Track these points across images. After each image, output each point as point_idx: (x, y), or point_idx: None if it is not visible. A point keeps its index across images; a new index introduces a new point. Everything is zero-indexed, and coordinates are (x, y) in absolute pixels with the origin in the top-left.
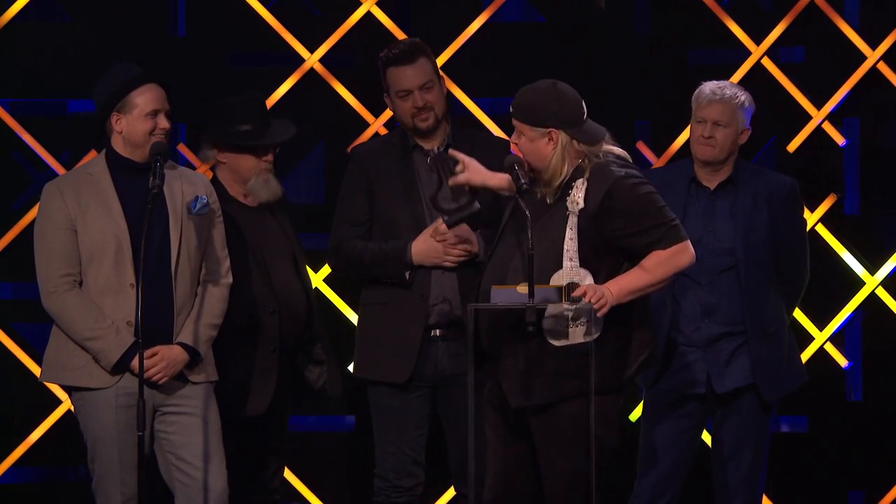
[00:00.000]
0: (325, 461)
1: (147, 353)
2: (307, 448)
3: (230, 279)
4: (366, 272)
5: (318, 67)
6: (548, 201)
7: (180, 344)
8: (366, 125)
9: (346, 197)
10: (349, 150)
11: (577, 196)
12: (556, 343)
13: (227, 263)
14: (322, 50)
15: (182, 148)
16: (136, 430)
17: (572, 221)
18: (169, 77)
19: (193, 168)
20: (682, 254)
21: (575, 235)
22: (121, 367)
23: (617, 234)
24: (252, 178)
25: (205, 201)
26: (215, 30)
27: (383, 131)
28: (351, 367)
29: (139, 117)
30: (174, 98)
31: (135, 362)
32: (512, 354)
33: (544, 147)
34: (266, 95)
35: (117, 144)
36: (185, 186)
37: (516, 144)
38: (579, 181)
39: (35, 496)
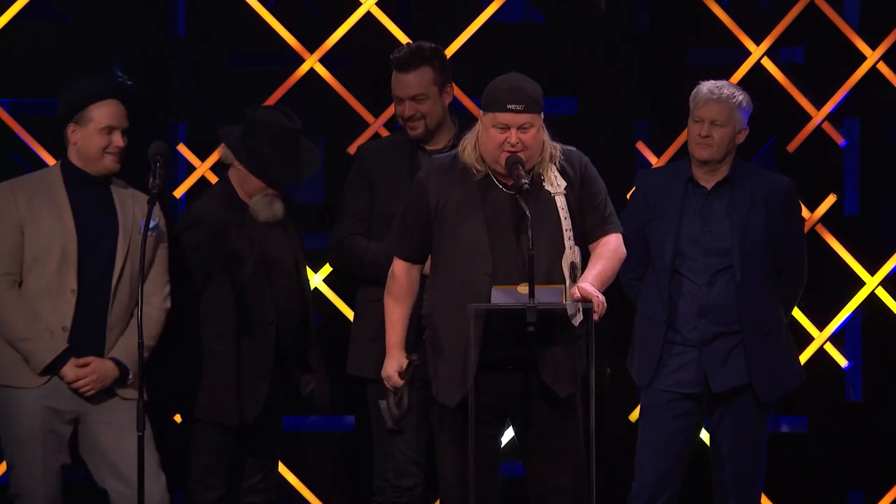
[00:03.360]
0: (325, 461)
1: (79, 362)
2: (307, 448)
3: (168, 304)
4: (365, 272)
5: (318, 67)
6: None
7: (112, 359)
8: (366, 125)
9: (349, 193)
10: (351, 149)
11: (553, 177)
12: (575, 323)
13: (167, 289)
14: (322, 50)
15: (182, 148)
16: (57, 434)
17: (561, 202)
18: (169, 77)
19: (193, 168)
20: (623, 245)
21: (568, 215)
22: (50, 371)
23: (585, 205)
24: (256, 195)
25: (156, 222)
26: (215, 30)
27: (383, 131)
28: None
29: (94, 131)
30: (174, 98)
31: (65, 369)
32: (548, 349)
33: (542, 133)
34: (299, 126)
35: (72, 156)
36: (136, 207)
37: (520, 142)
38: (548, 164)
39: None
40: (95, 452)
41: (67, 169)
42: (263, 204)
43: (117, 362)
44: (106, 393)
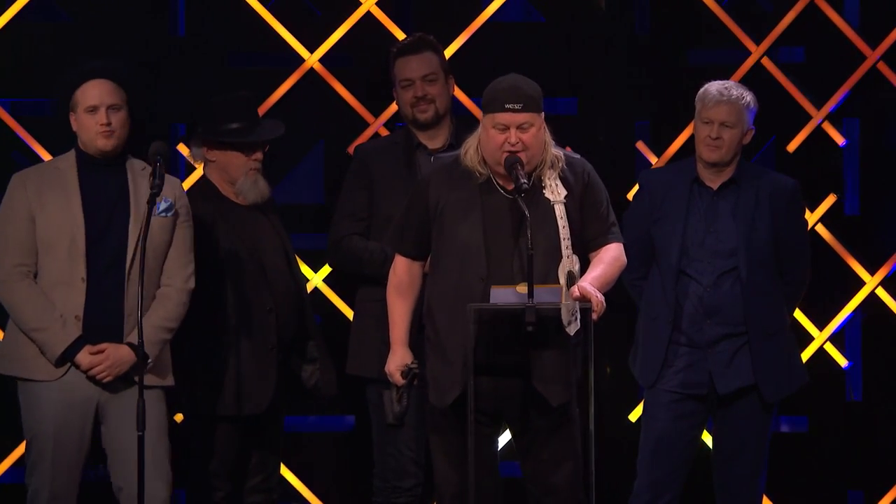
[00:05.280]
0: (325, 461)
1: (93, 349)
2: (307, 448)
3: (191, 284)
4: (363, 272)
5: (318, 67)
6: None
7: (129, 344)
8: (366, 125)
9: (347, 193)
10: (351, 149)
11: (554, 185)
12: (570, 332)
13: (190, 268)
14: (322, 50)
15: (182, 148)
16: (74, 429)
17: (560, 210)
18: (169, 77)
19: (193, 168)
20: (623, 254)
21: (567, 224)
22: (64, 361)
23: (587, 214)
24: (241, 177)
25: (169, 203)
26: (215, 30)
27: (383, 131)
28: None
29: (82, 115)
30: (174, 98)
31: (79, 356)
32: (542, 356)
33: (543, 134)
34: (255, 94)
35: (80, 143)
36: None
37: (521, 142)
38: (549, 171)
39: None
40: (115, 444)
41: (79, 155)
42: (249, 185)
43: (134, 347)
44: (125, 381)
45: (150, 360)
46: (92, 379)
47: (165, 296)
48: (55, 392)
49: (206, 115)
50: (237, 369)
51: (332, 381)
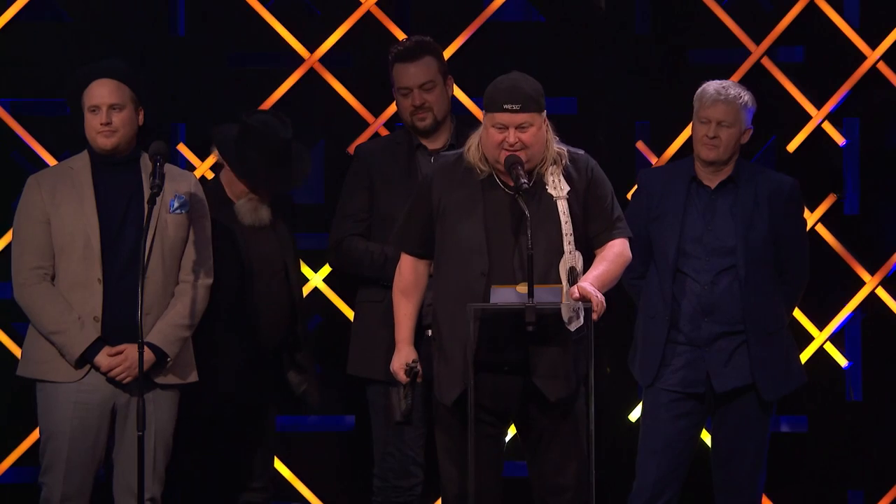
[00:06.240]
0: (325, 461)
1: (112, 350)
2: (307, 448)
3: (210, 279)
4: (364, 273)
5: (318, 67)
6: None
7: (147, 344)
8: (366, 125)
9: (348, 193)
10: (351, 149)
11: (557, 181)
12: (571, 328)
13: (208, 263)
14: (322, 50)
15: (182, 148)
16: (90, 431)
17: (563, 206)
18: (169, 77)
19: (192, 168)
20: (628, 249)
21: (569, 219)
22: (84, 362)
23: (591, 209)
24: (242, 198)
25: (182, 200)
26: (215, 30)
27: (383, 131)
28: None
29: (87, 114)
30: (173, 98)
31: (98, 358)
32: (543, 352)
33: (544, 132)
34: (291, 137)
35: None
36: (168, 184)
37: (519, 141)
38: (551, 167)
39: (35, 496)
40: (126, 442)
41: (93, 154)
42: (248, 208)
43: (151, 346)
44: (146, 382)
45: (169, 359)
46: (111, 380)
47: (183, 292)
48: (73, 394)
49: (240, 130)
50: (216, 370)
51: (316, 392)
